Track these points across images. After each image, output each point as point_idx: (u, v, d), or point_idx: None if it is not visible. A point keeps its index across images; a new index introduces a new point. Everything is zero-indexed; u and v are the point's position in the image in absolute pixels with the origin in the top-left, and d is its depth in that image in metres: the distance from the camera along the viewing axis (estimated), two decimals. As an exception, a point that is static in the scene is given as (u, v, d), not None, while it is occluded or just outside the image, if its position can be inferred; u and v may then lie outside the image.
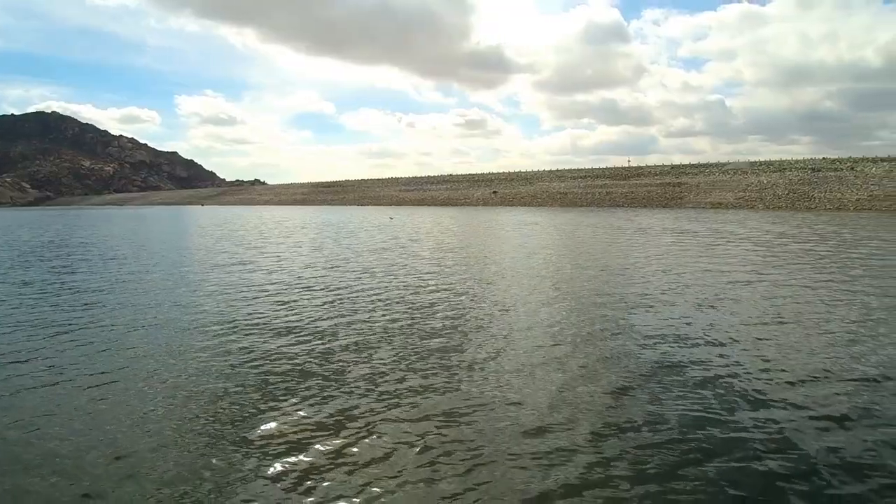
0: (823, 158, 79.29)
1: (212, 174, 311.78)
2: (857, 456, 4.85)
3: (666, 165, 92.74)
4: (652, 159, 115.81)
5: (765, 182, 74.29)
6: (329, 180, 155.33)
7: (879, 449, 4.99)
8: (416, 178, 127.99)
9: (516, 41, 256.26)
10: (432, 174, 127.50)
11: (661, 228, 36.12)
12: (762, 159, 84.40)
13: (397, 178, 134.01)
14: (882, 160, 74.30)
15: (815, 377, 6.84)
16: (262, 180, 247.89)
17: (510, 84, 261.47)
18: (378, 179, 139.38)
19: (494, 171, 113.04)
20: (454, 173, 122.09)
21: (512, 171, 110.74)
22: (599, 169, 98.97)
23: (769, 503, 4.10)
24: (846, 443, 5.06)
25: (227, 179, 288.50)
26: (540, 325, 9.48)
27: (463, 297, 12.03)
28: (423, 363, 7.37)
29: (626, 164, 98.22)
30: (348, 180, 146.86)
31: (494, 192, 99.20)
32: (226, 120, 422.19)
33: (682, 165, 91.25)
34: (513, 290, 12.90)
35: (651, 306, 11.00)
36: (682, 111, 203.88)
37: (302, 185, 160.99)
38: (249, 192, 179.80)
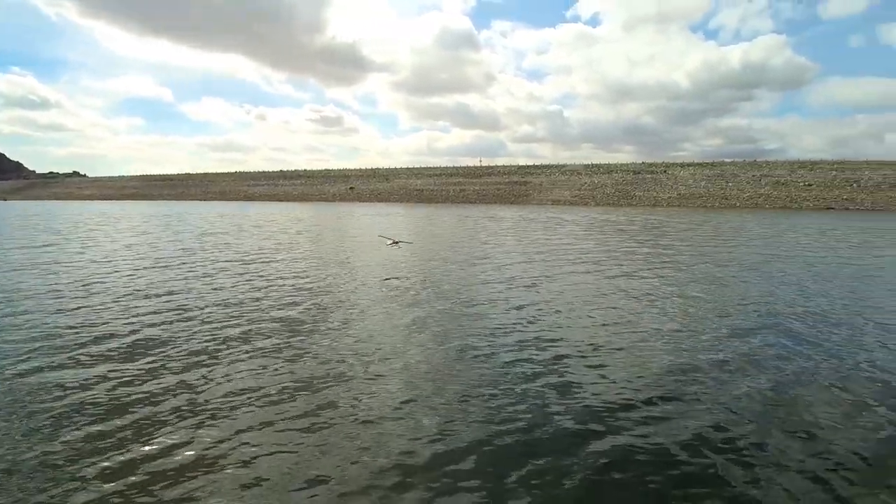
0: (642, 163, 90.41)
1: (18, 165, 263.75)
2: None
3: (513, 166, 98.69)
4: (501, 161, 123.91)
5: (596, 182, 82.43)
6: (166, 173, 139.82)
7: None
8: (267, 172, 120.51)
9: (373, 40, 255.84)
10: (285, 169, 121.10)
11: (511, 218, 38.88)
12: (594, 162, 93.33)
13: (246, 173, 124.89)
14: (688, 165, 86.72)
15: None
16: (81, 172, 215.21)
17: (367, 82, 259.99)
18: (225, 173, 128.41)
19: (352, 168, 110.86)
20: (308, 169, 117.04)
21: (369, 167, 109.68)
22: (453, 168, 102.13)
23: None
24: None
25: (38, 171, 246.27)
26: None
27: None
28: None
29: (478, 164, 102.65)
30: (189, 174, 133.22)
31: (351, 188, 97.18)
32: (38, 103, 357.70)
33: (528, 166, 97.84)
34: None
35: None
36: (527, 119, 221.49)
37: (132, 178, 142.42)
38: (66, 185, 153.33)
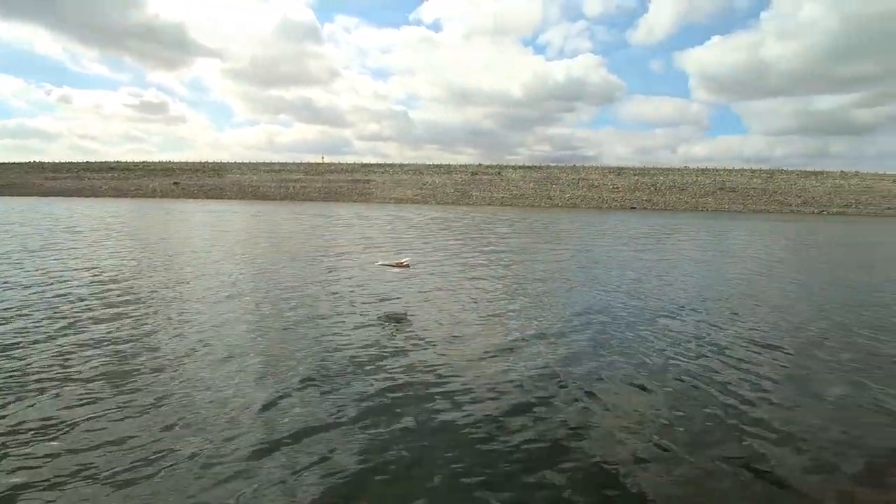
0: (479, 164, 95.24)
1: None
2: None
3: (357, 164, 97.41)
4: (348, 159, 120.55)
5: (437, 182, 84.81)
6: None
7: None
8: (71, 163, 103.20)
9: (203, 22, 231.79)
10: (95, 160, 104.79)
11: (345, 217, 37.77)
12: (437, 163, 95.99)
13: (45, 163, 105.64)
14: (518, 168, 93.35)
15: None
16: None
17: (196, 67, 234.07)
18: (15, 164, 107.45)
19: (178, 161, 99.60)
20: (123, 161, 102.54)
21: (198, 160, 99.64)
22: (294, 164, 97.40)
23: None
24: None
25: None
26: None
27: None
28: None
29: (321, 161, 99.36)
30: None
31: (176, 184, 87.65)
32: None
33: (371, 164, 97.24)
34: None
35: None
36: (374, 117, 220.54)
37: None
38: None
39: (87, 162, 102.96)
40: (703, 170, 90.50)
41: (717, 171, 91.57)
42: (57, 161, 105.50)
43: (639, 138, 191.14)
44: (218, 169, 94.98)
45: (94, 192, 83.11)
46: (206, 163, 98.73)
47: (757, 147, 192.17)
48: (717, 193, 79.52)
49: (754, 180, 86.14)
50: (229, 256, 16.79)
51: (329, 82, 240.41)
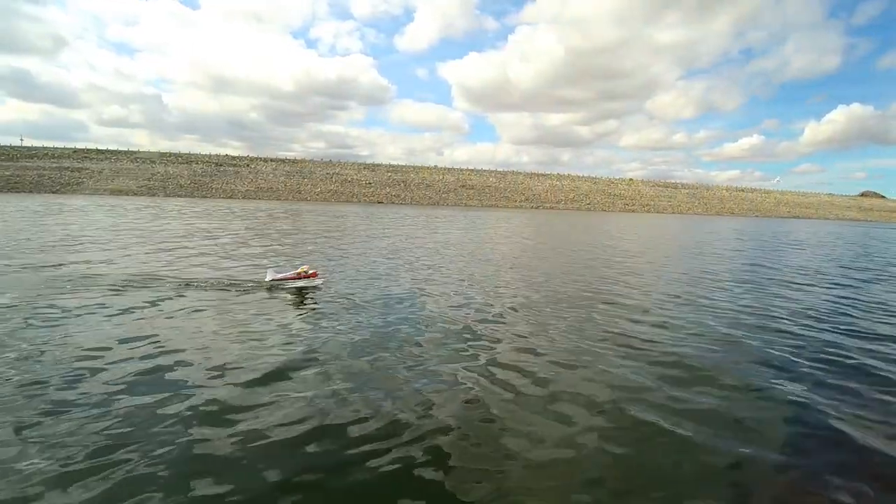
0: (226, 155, 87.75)
1: None
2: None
3: (66, 148, 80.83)
4: (79, 147, 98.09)
5: (171, 172, 75.13)
6: None
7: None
8: None
9: None
10: None
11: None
12: (176, 152, 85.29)
13: None
14: (271, 161, 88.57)
15: None
16: None
17: None
18: None
19: None
20: None
21: None
22: (-26, 145, 76.47)
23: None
24: None
25: None
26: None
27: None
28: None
29: (20, 143, 79.86)
30: None
31: None
32: None
33: (85, 150, 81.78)
34: None
35: None
36: (117, 99, 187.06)
37: None
38: None
39: None
40: (448, 168, 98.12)
41: (461, 170, 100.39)
42: None
43: (408, 140, 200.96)
44: None
45: None
46: None
47: (507, 153, 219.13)
48: (459, 190, 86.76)
49: (490, 179, 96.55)
50: None
51: (54, 53, 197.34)
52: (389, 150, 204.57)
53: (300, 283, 9.08)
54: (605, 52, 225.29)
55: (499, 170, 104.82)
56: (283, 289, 8.91)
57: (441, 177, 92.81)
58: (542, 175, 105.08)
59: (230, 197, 67.65)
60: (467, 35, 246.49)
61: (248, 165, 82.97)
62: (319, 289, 9.12)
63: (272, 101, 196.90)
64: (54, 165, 72.78)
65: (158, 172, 73.95)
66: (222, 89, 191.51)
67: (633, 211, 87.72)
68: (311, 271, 9.26)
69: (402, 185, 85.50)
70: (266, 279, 9.19)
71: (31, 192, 61.90)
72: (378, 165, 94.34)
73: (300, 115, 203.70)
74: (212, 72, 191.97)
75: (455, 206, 74.22)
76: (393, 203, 74.26)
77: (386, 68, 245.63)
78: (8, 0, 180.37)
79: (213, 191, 70.21)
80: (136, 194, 64.45)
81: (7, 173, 67.98)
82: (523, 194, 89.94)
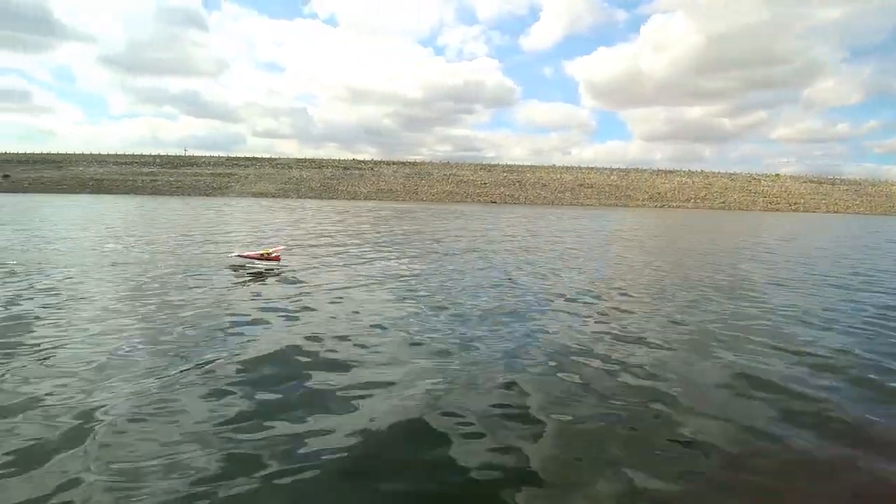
0: (353, 160, 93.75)
1: None
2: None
3: (222, 157, 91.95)
4: (232, 156, 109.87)
5: (304, 176, 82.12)
6: None
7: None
8: None
9: (69, 2, 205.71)
10: None
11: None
12: (308, 157, 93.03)
13: None
14: (393, 164, 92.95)
15: None
16: None
17: (62, 52, 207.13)
18: None
19: (11, 152, 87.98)
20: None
21: (38, 152, 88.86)
22: (150, 156, 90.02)
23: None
24: None
25: None
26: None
27: None
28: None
29: (184, 153, 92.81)
30: None
31: (6, 176, 77.84)
32: None
33: (237, 158, 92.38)
34: None
35: None
36: (270, 112, 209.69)
37: None
38: None
39: None
40: (566, 167, 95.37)
41: (580, 168, 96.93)
42: None
43: (534, 141, 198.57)
44: (59, 160, 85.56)
45: None
46: (45, 154, 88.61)
47: (638, 151, 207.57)
48: (576, 189, 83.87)
49: (612, 177, 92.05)
50: None
51: (217, 74, 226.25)
52: (515, 151, 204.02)
53: (261, 264, 9.74)
54: (751, 37, 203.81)
55: (621, 168, 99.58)
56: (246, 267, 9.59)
57: (558, 176, 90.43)
58: (670, 172, 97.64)
59: (353, 198, 72.02)
60: (594, 29, 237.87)
61: (371, 169, 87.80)
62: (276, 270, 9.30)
63: (403, 109, 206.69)
64: (209, 172, 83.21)
65: (294, 176, 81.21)
66: (359, 100, 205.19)
67: (776, 209, 78.14)
68: (274, 254, 9.67)
69: (517, 184, 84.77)
70: (232, 254, 10.13)
71: (188, 194, 71.32)
72: (494, 166, 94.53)
73: (428, 120, 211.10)
74: (350, 84, 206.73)
75: (571, 206, 71.90)
76: (506, 203, 73.92)
77: (511, 69, 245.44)
78: (181, 28, 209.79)
79: (340, 192, 75.30)
80: (273, 196, 71.34)
81: (171, 179, 79.14)
82: (647, 192, 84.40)
